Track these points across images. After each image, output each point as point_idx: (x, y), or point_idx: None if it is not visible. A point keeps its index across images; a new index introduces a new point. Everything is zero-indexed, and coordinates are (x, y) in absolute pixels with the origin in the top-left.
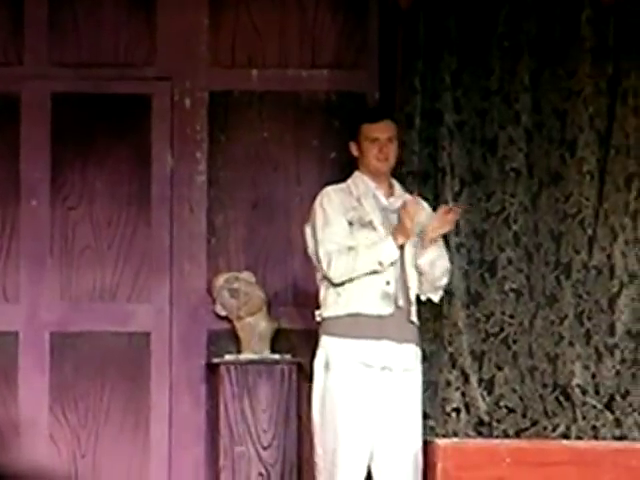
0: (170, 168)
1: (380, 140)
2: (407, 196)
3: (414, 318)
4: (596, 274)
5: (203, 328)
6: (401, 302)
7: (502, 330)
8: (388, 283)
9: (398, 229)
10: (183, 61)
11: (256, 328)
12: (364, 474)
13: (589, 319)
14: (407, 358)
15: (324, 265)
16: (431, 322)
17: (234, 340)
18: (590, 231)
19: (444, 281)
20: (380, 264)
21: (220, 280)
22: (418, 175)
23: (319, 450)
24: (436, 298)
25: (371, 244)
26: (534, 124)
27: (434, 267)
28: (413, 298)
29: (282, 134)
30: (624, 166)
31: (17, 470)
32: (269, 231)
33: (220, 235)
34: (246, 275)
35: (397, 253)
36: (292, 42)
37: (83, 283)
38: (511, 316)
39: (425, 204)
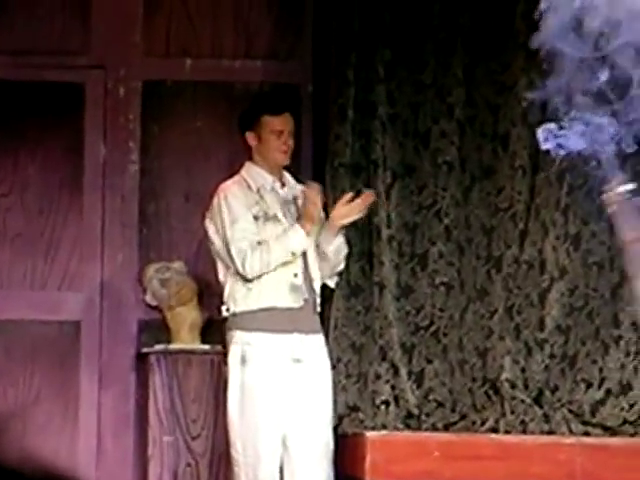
0: (103, 157)
1: (284, 133)
2: (298, 186)
3: (319, 308)
4: (527, 269)
5: (133, 317)
6: (307, 294)
7: (432, 323)
8: (296, 275)
9: (304, 217)
10: (117, 50)
11: (187, 318)
12: (279, 465)
13: (519, 313)
14: (315, 348)
15: (238, 263)
16: (362, 314)
17: (164, 330)
18: (521, 226)
19: (342, 266)
20: (292, 254)
21: (151, 270)
22: (350, 167)
23: (238, 445)
24: (332, 284)
25: (280, 235)
26: (467, 118)
27: (339, 254)
28: (317, 289)
29: (215, 124)
30: (556, 161)
31: None
32: (201, 221)
33: (152, 225)
34: (177, 265)
35: (307, 241)
36: (226, 32)
37: (14, 271)
38: (441, 309)
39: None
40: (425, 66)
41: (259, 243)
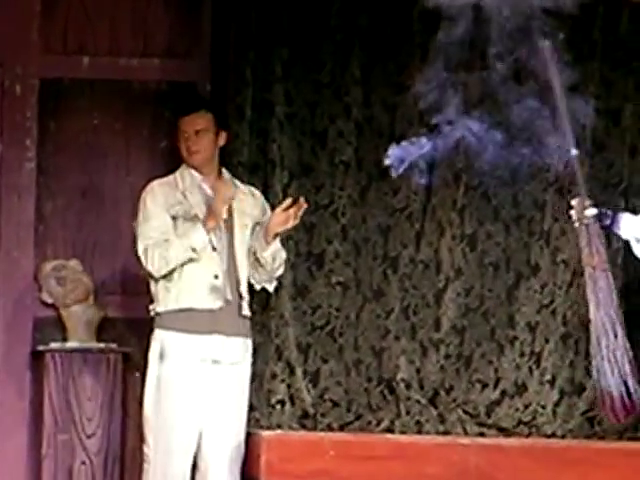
0: None
1: (188, 133)
2: (241, 187)
3: (245, 312)
4: (423, 269)
5: (29, 315)
6: (230, 296)
7: (328, 323)
8: (216, 277)
9: (208, 214)
10: (14, 47)
11: (82, 316)
12: (191, 464)
13: (415, 314)
14: (236, 351)
15: (142, 260)
16: (258, 314)
17: (60, 328)
18: (418, 226)
19: (281, 271)
20: (193, 250)
21: (47, 267)
22: (248, 166)
23: (150, 440)
24: (271, 288)
25: (182, 233)
26: (364, 118)
27: (275, 260)
28: (244, 291)
29: (112, 123)
30: (452, 162)
31: None
32: (98, 219)
33: (48, 222)
34: (73, 263)
35: (206, 238)
36: (124, 30)
37: None
38: (338, 309)
39: (258, 193)
40: (323, 66)
41: (166, 241)
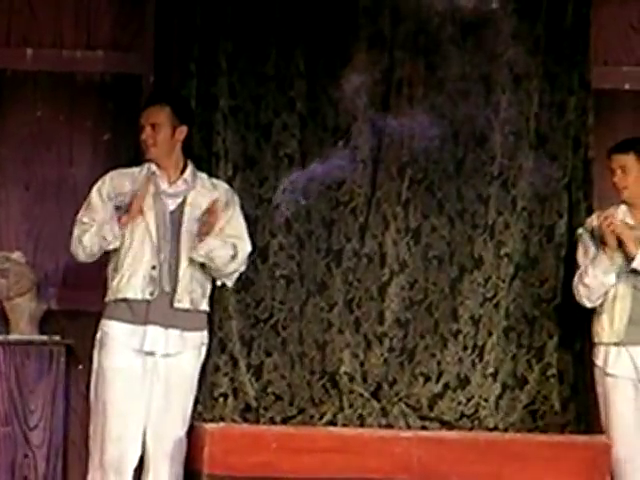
0: None
1: (144, 127)
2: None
3: (179, 304)
4: (367, 262)
5: None
6: (168, 287)
7: (272, 316)
8: (154, 267)
9: (127, 210)
10: None
11: (26, 309)
12: (135, 457)
13: (359, 307)
14: (171, 343)
15: (71, 243)
16: None
17: (3, 320)
18: (362, 219)
19: (233, 267)
20: (104, 239)
21: None
22: (192, 159)
23: (91, 428)
24: (230, 283)
25: (103, 222)
26: (308, 111)
27: (213, 258)
28: (180, 284)
29: (56, 114)
30: (397, 155)
31: None
32: (41, 212)
33: None
34: (17, 255)
35: (118, 232)
36: (68, 22)
37: None
38: (281, 302)
39: (224, 188)
40: (267, 59)
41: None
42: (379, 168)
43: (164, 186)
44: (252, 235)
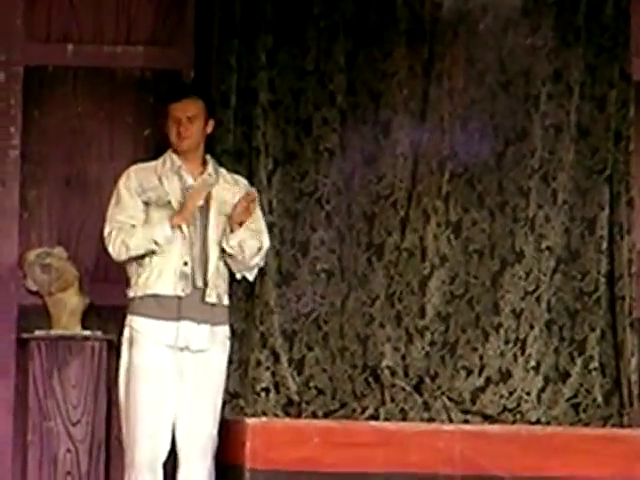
0: None
1: (180, 119)
2: (222, 174)
3: (211, 299)
4: (408, 256)
5: (14, 303)
6: (200, 283)
7: (313, 310)
8: (186, 264)
9: (179, 211)
10: None
11: (67, 304)
12: (165, 452)
13: (400, 301)
14: (202, 339)
15: (106, 242)
16: (243, 301)
17: (45, 316)
18: (402, 213)
19: (256, 260)
20: (155, 243)
21: (32, 255)
22: (232, 153)
23: (123, 426)
24: (251, 277)
25: (148, 224)
26: (349, 105)
27: (243, 249)
28: (210, 279)
29: (96, 110)
30: (437, 149)
31: None
32: (82, 207)
33: (33, 210)
34: (58, 251)
35: (169, 233)
36: (108, 17)
37: None
38: (322, 296)
39: (243, 183)
40: (307, 53)
41: (133, 227)
42: (419, 162)
43: (190, 181)
44: (293, 229)
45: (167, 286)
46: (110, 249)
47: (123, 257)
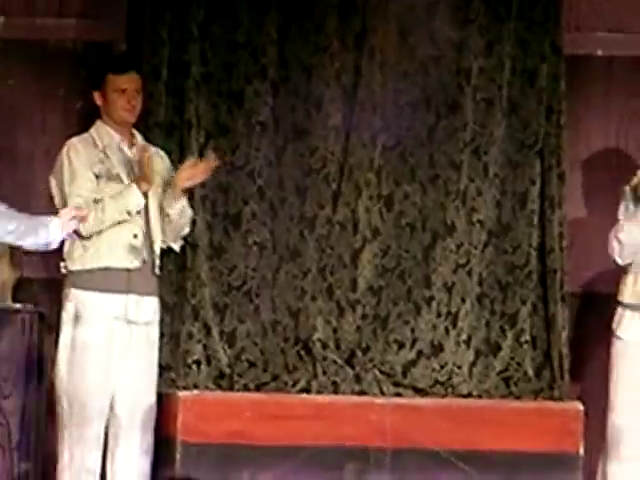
0: None
1: (128, 91)
2: (152, 148)
3: (157, 271)
4: (340, 229)
5: None
6: (146, 255)
7: (245, 283)
8: (135, 236)
9: (140, 177)
10: None
11: None
12: (104, 425)
13: (332, 274)
14: (149, 311)
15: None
16: (174, 274)
17: None
18: (335, 186)
19: (187, 230)
20: (128, 213)
21: None
22: (164, 126)
23: (64, 402)
24: (177, 247)
25: (116, 194)
26: (280, 78)
27: (182, 217)
28: (157, 251)
29: (28, 83)
30: (369, 123)
31: None
32: (13, 180)
33: None
34: None
35: (143, 200)
36: None
37: None
38: (254, 269)
39: (162, 153)
40: (238, 26)
41: (96, 201)
42: (351, 135)
43: (128, 152)
44: (225, 203)
45: (118, 259)
46: (81, 227)
47: (95, 231)
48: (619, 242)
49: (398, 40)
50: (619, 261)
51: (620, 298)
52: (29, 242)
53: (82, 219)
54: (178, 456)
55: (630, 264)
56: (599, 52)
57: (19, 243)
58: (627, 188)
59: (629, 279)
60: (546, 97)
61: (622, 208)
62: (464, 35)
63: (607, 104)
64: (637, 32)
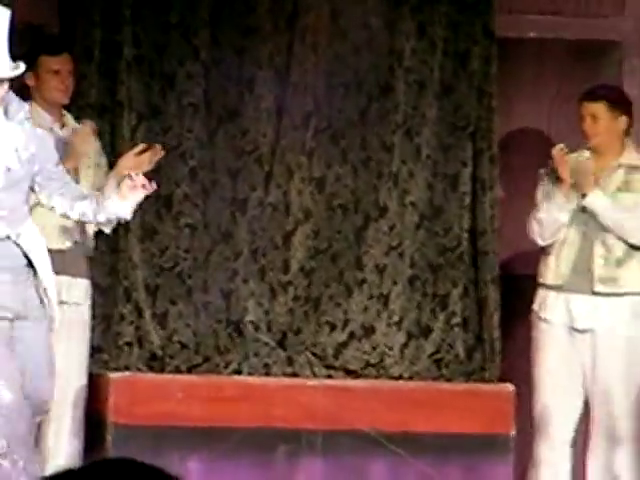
0: None
1: (61, 72)
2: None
3: (90, 253)
4: (272, 211)
5: None
6: (78, 237)
7: (177, 265)
8: (67, 217)
9: (68, 155)
10: None
11: None
12: None
13: (264, 256)
14: (81, 292)
15: None
16: (107, 256)
17: None
18: (267, 168)
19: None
20: None
21: None
22: (95, 108)
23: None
24: (108, 229)
25: None
26: (213, 60)
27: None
28: (90, 232)
29: None
30: (301, 105)
31: None
32: None
33: None
34: None
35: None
36: None
37: None
38: (186, 251)
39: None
40: (170, 8)
41: None
42: (283, 117)
43: (60, 133)
44: (158, 184)
45: (49, 240)
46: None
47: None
48: (539, 222)
49: (330, 22)
50: (540, 242)
51: (542, 280)
52: None
53: None
54: (109, 437)
55: (551, 245)
56: (531, 35)
57: None
58: (542, 171)
59: (551, 260)
60: (478, 80)
61: (540, 191)
62: (396, 17)
63: (539, 87)
64: (569, 15)
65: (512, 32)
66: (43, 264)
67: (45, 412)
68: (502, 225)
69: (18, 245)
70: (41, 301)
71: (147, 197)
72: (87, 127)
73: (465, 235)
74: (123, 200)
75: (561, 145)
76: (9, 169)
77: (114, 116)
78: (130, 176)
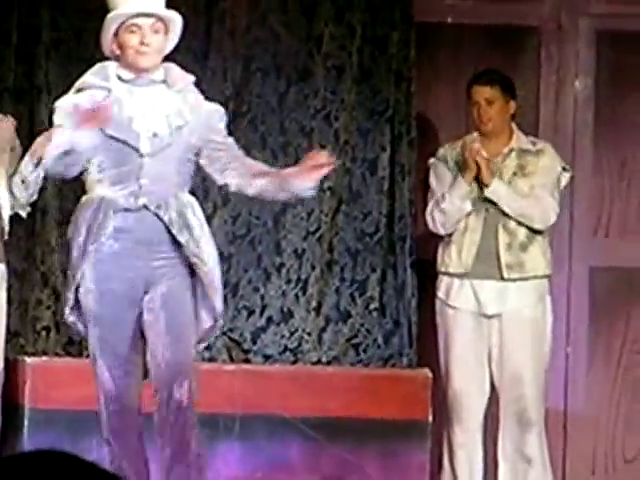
0: None
1: None
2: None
3: (6, 237)
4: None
5: None
6: None
7: None
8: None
9: None
10: None
11: None
12: None
13: None
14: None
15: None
16: (23, 240)
17: None
18: None
19: (36, 196)
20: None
21: None
22: (13, 92)
23: None
24: (24, 213)
25: None
26: None
27: (37, 185)
28: (5, 216)
29: None
30: (220, 89)
31: None
32: None
33: None
34: None
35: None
36: None
37: None
38: None
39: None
40: None
41: None
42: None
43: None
44: None
45: None
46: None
47: None
48: (442, 212)
49: (249, 5)
50: (442, 232)
51: (444, 269)
52: None
53: None
54: (26, 422)
55: (452, 234)
56: (449, 20)
57: None
58: (433, 160)
59: (452, 249)
60: (396, 64)
61: (434, 180)
62: (314, 2)
63: (457, 71)
64: (487, 0)
65: (431, 17)
66: None
67: None
68: (420, 210)
69: None
70: None
71: (64, 181)
72: (9, 122)
73: (384, 220)
74: (307, 179)
75: (478, 145)
76: (155, 134)
77: (32, 100)
78: (311, 156)
